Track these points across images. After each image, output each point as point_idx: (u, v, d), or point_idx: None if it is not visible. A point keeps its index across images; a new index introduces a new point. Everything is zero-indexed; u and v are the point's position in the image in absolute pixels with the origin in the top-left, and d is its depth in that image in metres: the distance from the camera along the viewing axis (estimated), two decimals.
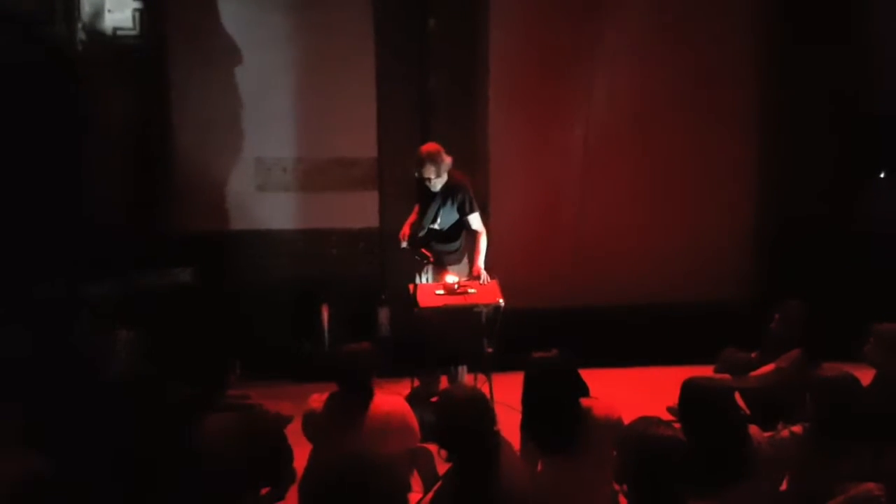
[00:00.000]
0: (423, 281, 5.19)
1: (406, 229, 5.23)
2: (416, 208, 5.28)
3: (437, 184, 5.03)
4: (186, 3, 5.94)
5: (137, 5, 5.78)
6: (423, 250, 5.07)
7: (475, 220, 5.13)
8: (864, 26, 6.27)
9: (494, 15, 6.19)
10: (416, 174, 5.02)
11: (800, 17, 6.25)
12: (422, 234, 5.18)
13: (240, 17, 6.01)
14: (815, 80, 6.26)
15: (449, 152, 5.02)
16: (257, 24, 6.02)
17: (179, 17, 5.92)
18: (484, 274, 5.07)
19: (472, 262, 5.16)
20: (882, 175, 6.53)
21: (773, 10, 6.37)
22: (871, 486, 2.70)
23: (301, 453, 3.64)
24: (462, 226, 5.16)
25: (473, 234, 5.16)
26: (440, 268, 5.17)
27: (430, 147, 5.01)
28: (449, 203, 5.09)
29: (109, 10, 5.76)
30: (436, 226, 5.15)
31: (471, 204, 5.10)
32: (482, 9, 6.16)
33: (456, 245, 5.22)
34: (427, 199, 5.14)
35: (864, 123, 6.34)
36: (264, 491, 3.65)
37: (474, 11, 6.13)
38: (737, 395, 3.57)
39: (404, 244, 5.18)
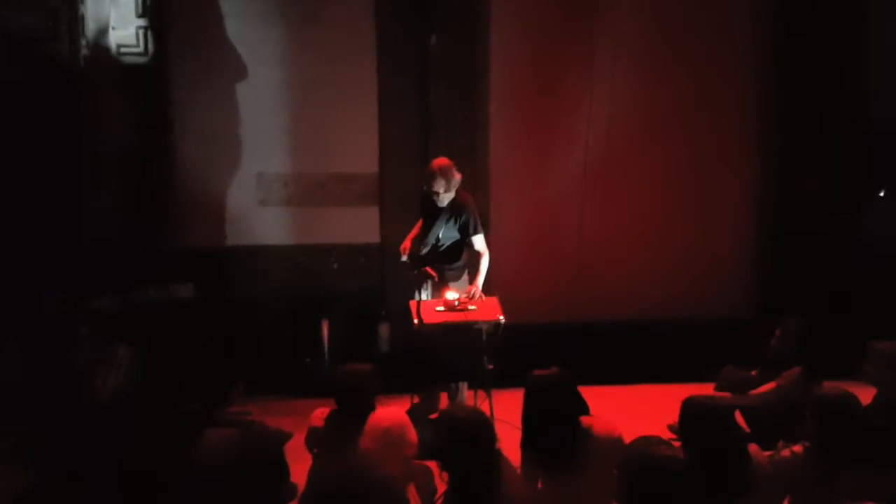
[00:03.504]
0: (424, 297, 5.17)
1: (407, 243, 5.22)
2: (420, 223, 5.27)
3: (445, 199, 5.01)
4: (189, 21, 5.97)
5: (141, 23, 5.81)
6: (427, 269, 5.04)
7: (479, 241, 5.12)
8: (863, 46, 6.31)
9: (495, 32, 6.23)
10: (425, 187, 5.00)
11: (800, 36, 6.28)
12: (424, 250, 5.16)
13: (242, 33, 6.05)
14: (813, 96, 6.29)
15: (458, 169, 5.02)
16: (259, 40, 6.06)
17: (182, 35, 5.95)
18: (474, 291, 5.04)
19: (471, 280, 5.14)
20: (882, 192, 6.55)
21: (773, 28, 6.41)
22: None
23: (302, 469, 3.64)
24: (464, 244, 5.15)
25: (476, 254, 5.14)
26: (441, 284, 5.14)
27: (441, 161, 4.99)
28: (452, 221, 5.07)
29: (113, 28, 5.80)
30: (438, 242, 5.14)
31: (475, 225, 5.08)
32: (483, 26, 6.20)
33: (457, 263, 5.19)
34: (431, 215, 5.13)
35: (862, 140, 6.37)
36: None
37: (476, 28, 6.17)
38: (737, 414, 3.56)
39: (404, 258, 5.17)
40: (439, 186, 4.94)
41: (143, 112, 5.91)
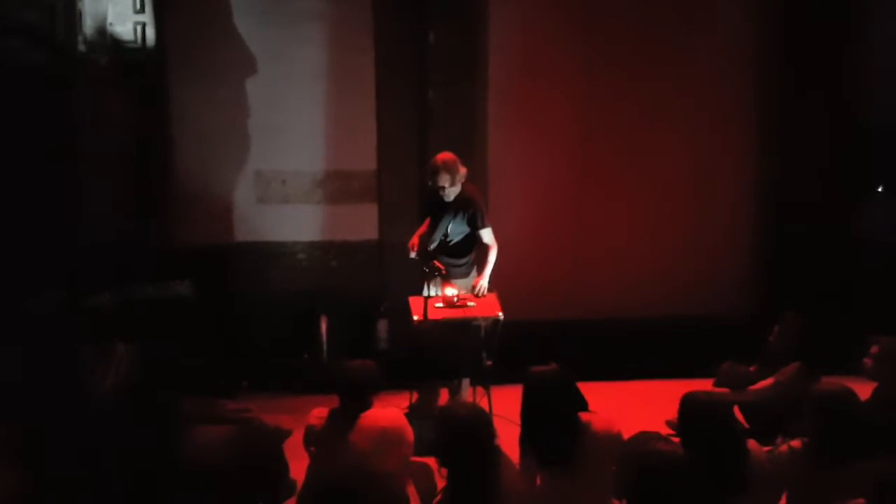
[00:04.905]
0: (433, 293, 5.10)
1: (415, 240, 5.19)
2: (428, 220, 5.23)
3: (451, 194, 4.97)
4: (187, 17, 5.97)
5: (139, 19, 5.81)
6: (436, 262, 5.02)
7: (487, 235, 5.08)
8: (861, 41, 6.31)
9: (494, 30, 6.23)
10: (430, 183, 4.96)
11: (799, 34, 6.29)
12: (432, 246, 5.14)
13: (240, 31, 6.04)
14: (811, 94, 6.30)
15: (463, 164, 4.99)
16: (257, 38, 6.06)
17: (180, 31, 5.95)
18: (480, 286, 5.05)
19: (479, 274, 5.14)
20: (879, 188, 6.56)
21: (773, 26, 6.41)
22: (862, 501, 2.70)
23: (300, 467, 3.64)
24: (472, 239, 5.12)
25: (485, 248, 5.12)
26: (448, 279, 5.11)
27: (445, 156, 4.93)
28: (460, 216, 5.04)
29: (111, 24, 5.79)
30: (446, 238, 5.12)
31: (482, 218, 5.05)
32: (482, 23, 6.20)
33: (465, 259, 5.17)
34: (438, 211, 5.10)
35: (860, 137, 6.38)
36: None
37: (474, 26, 6.17)
38: (735, 409, 3.56)
39: (413, 254, 5.15)
40: (444, 181, 4.90)
41: (141, 109, 5.90)
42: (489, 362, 4.88)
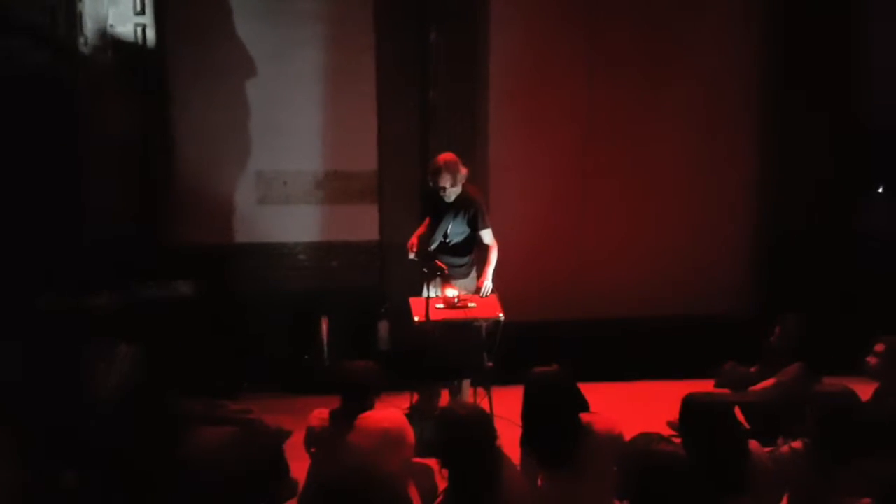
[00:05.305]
0: (433, 294, 5.06)
1: (414, 240, 5.18)
2: (427, 221, 5.24)
3: (452, 194, 4.97)
4: (188, 18, 5.97)
5: (139, 20, 5.81)
6: (438, 262, 5.02)
7: (487, 235, 5.09)
8: (862, 45, 6.31)
9: (495, 29, 6.23)
10: (431, 184, 4.96)
11: (800, 34, 6.29)
12: (432, 247, 5.14)
13: (241, 31, 6.05)
14: (811, 94, 6.30)
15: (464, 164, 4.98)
16: (258, 38, 6.06)
17: (181, 32, 5.95)
18: (486, 287, 5.05)
19: (480, 274, 5.13)
20: (880, 189, 6.56)
21: (773, 27, 6.41)
22: (867, 501, 2.70)
23: (301, 468, 3.64)
24: (472, 240, 5.12)
25: (485, 248, 5.12)
26: (446, 281, 5.10)
27: (447, 156, 4.94)
28: (461, 216, 5.04)
29: (112, 25, 5.80)
30: (446, 239, 5.12)
31: (483, 219, 5.05)
32: (483, 23, 6.20)
33: (465, 259, 5.17)
34: (438, 211, 5.09)
35: (860, 138, 6.38)
36: None
37: (475, 26, 6.17)
38: (737, 410, 3.57)
39: (412, 255, 5.15)
40: (446, 181, 4.90)
41: (142, 110, 5.91)
42: (490, 363, 4.88)
